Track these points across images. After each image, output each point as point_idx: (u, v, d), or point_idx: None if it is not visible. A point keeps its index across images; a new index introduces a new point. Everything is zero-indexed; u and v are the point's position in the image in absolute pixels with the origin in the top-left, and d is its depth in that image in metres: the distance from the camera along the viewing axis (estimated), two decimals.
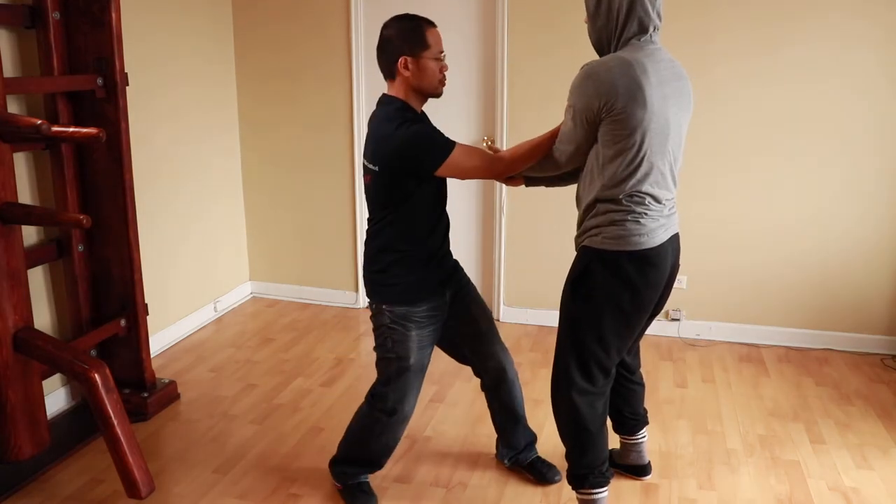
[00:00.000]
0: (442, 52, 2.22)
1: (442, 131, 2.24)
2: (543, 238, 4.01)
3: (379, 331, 2.36)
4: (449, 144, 2.17)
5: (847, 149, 3.58)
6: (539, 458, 2.72)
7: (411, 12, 2.26)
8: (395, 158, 2.17)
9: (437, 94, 2.27)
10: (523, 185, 2.44)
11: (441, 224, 2.37)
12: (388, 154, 2.18)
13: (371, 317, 2.40)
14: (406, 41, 2.18)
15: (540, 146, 2.22)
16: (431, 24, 2.24)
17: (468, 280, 2.52)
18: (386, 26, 2.24)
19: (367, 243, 2.37)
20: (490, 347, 2.52)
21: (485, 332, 2.51)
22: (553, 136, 2.23)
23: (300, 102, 4.26)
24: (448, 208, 2.52)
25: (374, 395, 2.43)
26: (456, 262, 2.50)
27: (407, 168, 2.19)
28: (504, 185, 3.98)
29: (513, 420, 2.64)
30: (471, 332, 2.50)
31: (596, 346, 2.19)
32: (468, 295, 2.48)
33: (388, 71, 2.24)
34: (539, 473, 2.66)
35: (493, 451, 2.82)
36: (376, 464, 2.54)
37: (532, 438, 2.72)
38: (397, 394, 2.38)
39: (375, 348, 2.40)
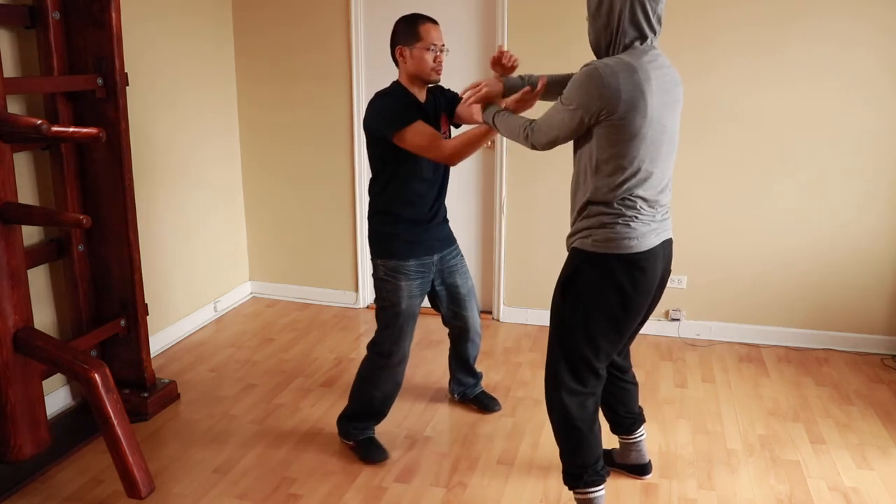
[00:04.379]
0: (433, 44, 2.52)
1: (414, 113, 2.51)
2: (543, 238, 4.01)
3: (376, 283, 2.71)
4: (406, 120, 2.46)
5: (847, 149, 3.58)
6: (483, 392, 3.19)
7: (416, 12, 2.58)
8: (366, 121, 2.56)
9: (432, 81, 2.58)
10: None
11: (429, 195, 2.67)
12: (365, 119, 2.58)
13: (372, 273, 2.75)
14: (402, 34, 2.54)
15: (477, 141, 2.43)
16: (428, 20, 2.55)
17: (459, 253, 2.87)
18: (395, 24, 2.59)
19: (368, 205, 2.74)
20: (462, 312, 2.90)
21: (462, 299, 2.87)
22: (484, 134, 2.40)
23: (300, 103, 4.26)
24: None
25: (373, 342, 2.75)
26: (451, 233, 2.84)
27: (372, 130, 2.55)
28: (504, 184, 3.98)
29: (463, 367, 3.11)
30: (449, 296, 2.86)
31: (585, 349, 2.18)
32: (455, 266, 2.83)
33: (394, 59, 2.60)
34: (482, 404, 3.14)
35: (493, 452, 2.85)
36: (380, 412, 2.81)
37: (478, 378, 3.18)
38: (392, 337, 2.70)
39: (375, 300, 2.75)
